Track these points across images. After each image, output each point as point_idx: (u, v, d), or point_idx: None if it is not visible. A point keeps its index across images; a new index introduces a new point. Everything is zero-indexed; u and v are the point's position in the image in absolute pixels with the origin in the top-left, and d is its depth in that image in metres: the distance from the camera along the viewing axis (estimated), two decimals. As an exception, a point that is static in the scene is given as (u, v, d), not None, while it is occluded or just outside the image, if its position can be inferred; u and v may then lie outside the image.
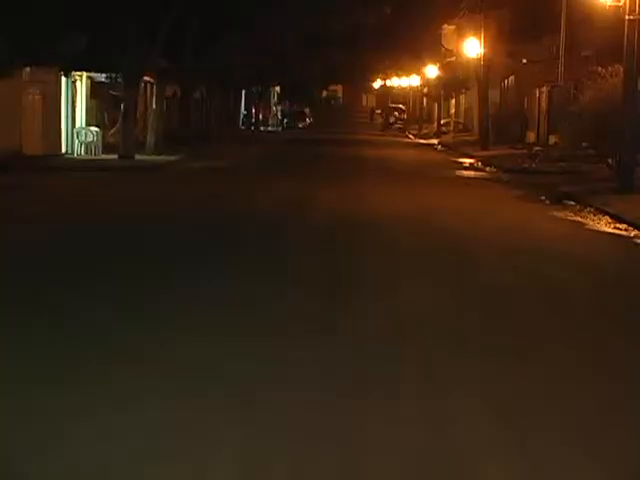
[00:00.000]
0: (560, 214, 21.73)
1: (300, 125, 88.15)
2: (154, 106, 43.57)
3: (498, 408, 7.54)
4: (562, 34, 38.94)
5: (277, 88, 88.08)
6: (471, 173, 36.37)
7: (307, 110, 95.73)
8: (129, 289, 11.87)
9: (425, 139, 68.90)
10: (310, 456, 6.37)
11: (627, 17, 25.10)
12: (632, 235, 18.09)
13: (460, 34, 56.84)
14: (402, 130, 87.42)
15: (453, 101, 79.08)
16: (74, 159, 35.99)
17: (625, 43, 25.27)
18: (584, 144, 30.79)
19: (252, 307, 10.87)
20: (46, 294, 11.36)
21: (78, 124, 38.18)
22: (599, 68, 31.71)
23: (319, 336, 9.59)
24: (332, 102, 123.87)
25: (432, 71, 74.26)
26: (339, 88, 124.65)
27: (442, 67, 70.95)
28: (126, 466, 6.12)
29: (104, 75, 38.39)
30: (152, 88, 43.66)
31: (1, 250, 14.82)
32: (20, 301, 10.90)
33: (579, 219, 20.72)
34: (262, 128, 79.65)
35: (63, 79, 36.27)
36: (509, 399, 7.76)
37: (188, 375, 8.04)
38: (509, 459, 6.42)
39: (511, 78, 56.20)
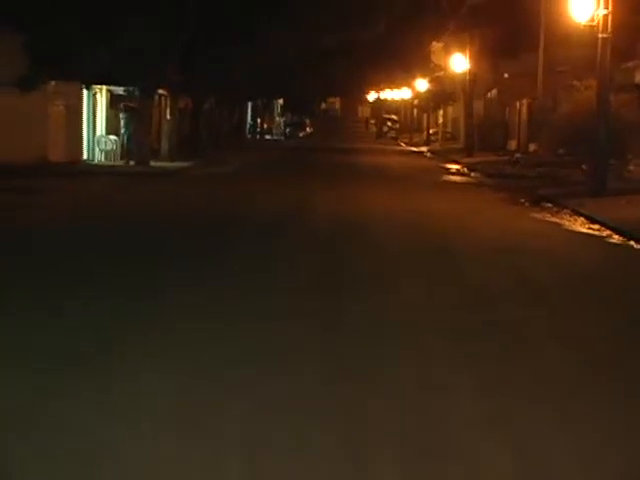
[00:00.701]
0: (539, 215, 21.78)
1: (301, 134, 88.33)
2: (168, 117, 43.67)
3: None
4: (541, 51, 39.00)
5: (280, 100, 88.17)
6: (458, 178, 36.41)
7: (307, 120, 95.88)
8: (135, 283, 11.84)
9: (416, 147, 68.94)
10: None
11: (600, 35, 25.15)
12: (604, 235, 18.13)
13: (448, 51, 56.87)
14: (394, 139, 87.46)
15: (441, 112, 79.00)
16: (95, 165, 36.12)
17: (598, 59, 25.34)
18: (561, 151, 30.92)
19: (257, 299, 10.90)
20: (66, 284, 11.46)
21: (98, 133, 38.25)
22: (574, 82, 31.87)
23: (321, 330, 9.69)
24: (330, 113, 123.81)
25: (422, 84, 74.25)
26: (336, 100, 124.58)
27: (431, 81, 70.98)
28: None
29: (122, 88, 38.47)
30: (166, 100, 43.75)
31: (30, 247, 14.92)
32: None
33: (556, 220, 20.76)
34: (267, 137, 79.81)
35: (85, 92, 36.33)
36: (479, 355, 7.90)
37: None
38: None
39: (494, 91, 56.29)
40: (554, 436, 6.44)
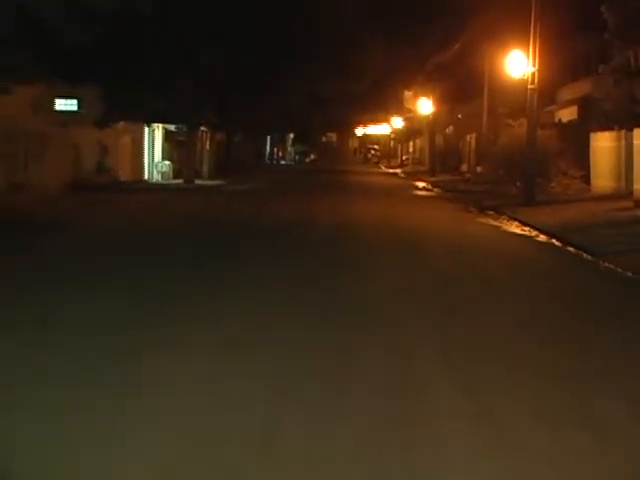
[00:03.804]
0: (484, 220, 21.80)
1: (307, 160, 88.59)
2: (208, 147, 43.84)
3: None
4: (485, 97, 39.08)
5: (291, 134, 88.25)
6: (423, 192, 36.45)
7: (312, 150, 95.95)
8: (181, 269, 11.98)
9: (392, 169, 68.93)
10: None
11: (529, 86, 25.31)
12: (533, 234, 18.19)
13: (416, 97, 56.97)
14: (376, 163, 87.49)
15: (411, 143, 79.22)
16: (153, 183, 36.24)
17: (528, 104, 25.49)
18: (500, 172, 30.95)
19: (278, 270, 11.01)
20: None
21: (156, 159, 38.39)
22: (510, 121, 31.92)
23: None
24: (328, 144, 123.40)
25: (397, 122, 74.44)
26: (334, 134, 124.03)
27: (404, 119, 71.16)
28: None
29: (174, 126, 38.60)
30: (206, 135, 43.89)
31: (109, 240, 15.11)
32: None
33: (497, 223, 20.79)
34: (281, 162, 79.91)
35: (146, 129, 36.49)
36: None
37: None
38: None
39: (451, 127, 56.38)
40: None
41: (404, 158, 75.32)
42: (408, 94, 65.10)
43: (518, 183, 27.72)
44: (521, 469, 4.64)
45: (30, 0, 18.74)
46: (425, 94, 52.38)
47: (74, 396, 5.64)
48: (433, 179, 44.48)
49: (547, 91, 29.45)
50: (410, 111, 64.22)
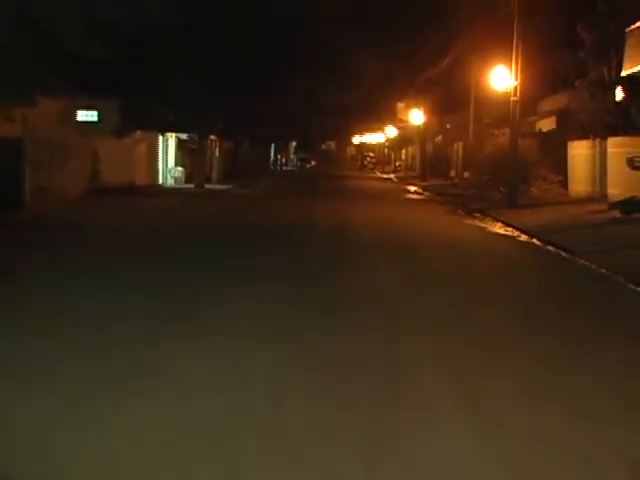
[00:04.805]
0: (470, 221, 21.84)
1: (308, 166, 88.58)
2: (217, 154, 43.84)
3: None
4: (471, 109, 39.11)
5: (294, 142, 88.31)
6: (415, 196, 36.44)
7: (312, 157, 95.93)
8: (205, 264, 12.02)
9: (386, 174, 68.81)
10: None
11: (512, 99, 25.37)
12: (515, 234, 18.24)
13: (408, 108, 56.98)
14: (372, 169, 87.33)
15: (404, 150, 79.20)
16: (167, 187, 36.20)
17: (510, 115, 25.55)
18: (485, 177, 30.99)
19: (279, 270, 11.02)
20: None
21: (169, 165, 38.37)
22: (494, 130, 31.95)
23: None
24: (328, 152, 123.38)
25: (391, 131, 74.40)
26: (332, 142, 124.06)
27: (398, 129, 71.11)
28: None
29: (185, 135, 38.62)
30: (215, 143, 43.89)
31: (127, 239, 15.20)
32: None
33: (482, 225, 20.82)
34: (284, 168, 79.89)
35: (160, 137, 36.43)
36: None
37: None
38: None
39: (440, 136, 56.33)
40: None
41: (397, 164, 75.25)
42: (401, 105, 65.11)
43: (502, 188, 27.75)
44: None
45: (43, 12, 18.53)
46: (416, 106, 52.40)
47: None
48: (424, 184, 44.47)
49: (528, 103, 29.54)
50: (403, 121, 64.19)
